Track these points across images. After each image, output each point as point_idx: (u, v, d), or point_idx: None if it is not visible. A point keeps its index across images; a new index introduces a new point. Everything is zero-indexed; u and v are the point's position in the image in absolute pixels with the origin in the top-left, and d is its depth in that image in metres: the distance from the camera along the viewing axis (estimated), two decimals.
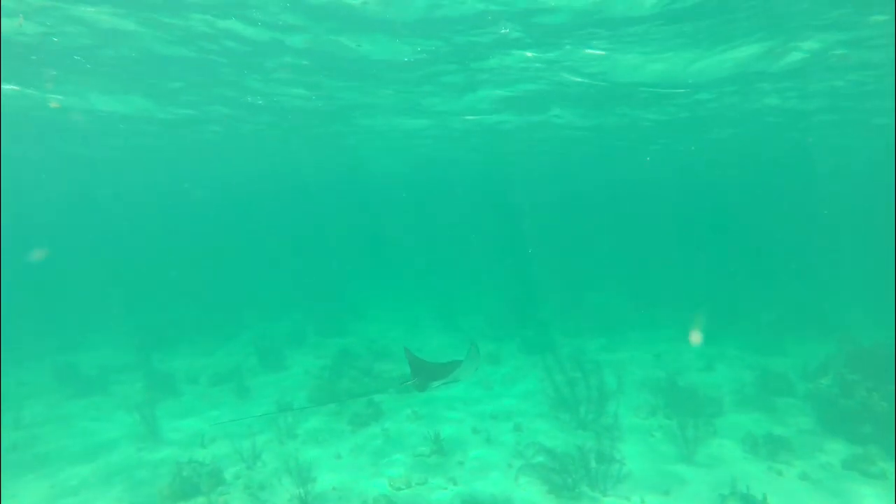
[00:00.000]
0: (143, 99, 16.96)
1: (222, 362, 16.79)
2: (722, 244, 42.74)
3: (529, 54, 13.22)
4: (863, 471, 9.20)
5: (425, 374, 6.90)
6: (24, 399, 13.67)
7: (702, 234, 56.79)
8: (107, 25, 11.01)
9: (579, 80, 15.26)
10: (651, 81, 15.49)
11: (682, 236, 53.97)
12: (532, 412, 12.30)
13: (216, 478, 9.23)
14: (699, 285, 23.90)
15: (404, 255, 43.15)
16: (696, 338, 17.83)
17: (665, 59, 13.45)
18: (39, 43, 11.72)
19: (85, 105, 17.38)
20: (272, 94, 16.66)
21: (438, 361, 7.26)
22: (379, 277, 32.71)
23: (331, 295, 24.26)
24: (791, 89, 16.45)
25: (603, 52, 12.94)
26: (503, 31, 11.42)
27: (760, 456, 9.91)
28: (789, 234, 52.90)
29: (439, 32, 11.62)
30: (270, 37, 11.71)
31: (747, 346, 16.69)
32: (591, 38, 12.08)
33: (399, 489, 9.19)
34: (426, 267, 34.30)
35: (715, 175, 36.59)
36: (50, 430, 11.94)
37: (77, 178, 34.74)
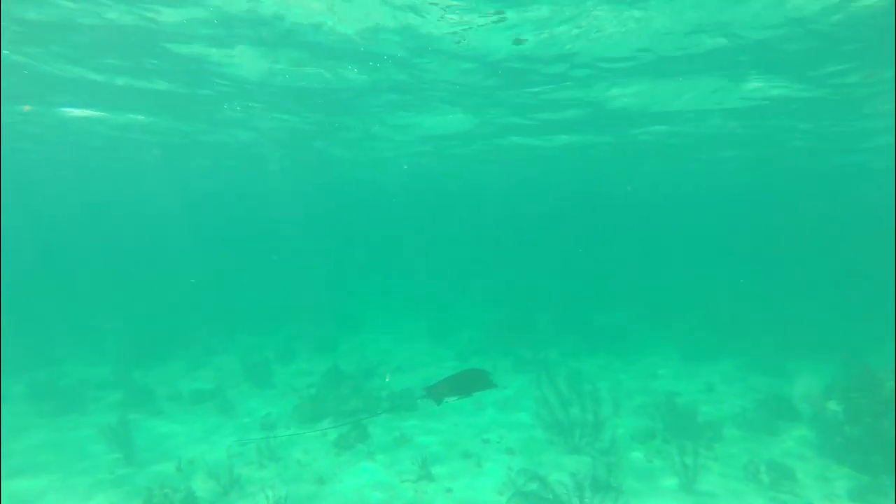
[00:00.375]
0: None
1: (208, 378, 16.30)
2: (722, 261, 42.48)
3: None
4: (871, 503, 8.73)
5: (442, 390, 6.89)
6: None
7: (702, 251, 56.58)
8: None
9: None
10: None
11: (682, 253, 53.75)
12: (525, 435, 11.81)
13: None
14: (699, 302, 23.48)
15: (400, 267, 42.72)
16: (694, 357, 17.40)
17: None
18: None
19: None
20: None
21: (452, 375, 7.15)
22: (374, 291, 32.26)
23: (323, 309, 23.81)
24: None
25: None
26: None
27: (763, 485, 9.44)
28: (790, 252, 52.63)
29: None
30: None
31: (748, 366, 16.25)
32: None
33: None
34: (422, 280, 33.86)
35: (717, 192, 36.40)
36: (17, 448, 11.40)
37: (70, 187, 34.48)
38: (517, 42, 11.13)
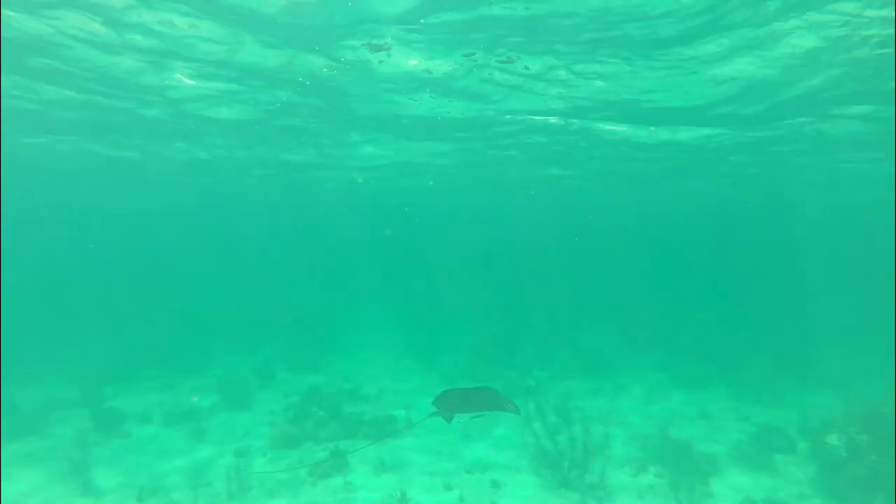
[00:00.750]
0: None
1: (182, 399, 15.56)
2: (716, 284, 42.23)
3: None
4: None
5: (453, 403, 6.51)
6: None
7: (694, 275, 56.42)
8: None
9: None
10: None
11: (674, 277, 53.53)
12: (512, 466, 11.22)
13: None
14: (691, 326, 23.09)
15: (386, 287, 42.04)
16: (687, 383, 16.93)
17: None
18: None
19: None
20: None
21: (466, 389, 6.83)
22: (359, 309, 31.59)
23: (306, 328, 23.11)
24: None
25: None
26: None
27: None
28: (782, 278, 52.59)
29: None
30: None
31: (741, 394, 15.78)
32: None
33: None
34: (408, 300, 33.25)
35: (710, 216, 36.33)
36: None
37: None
38: None
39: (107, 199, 35.44)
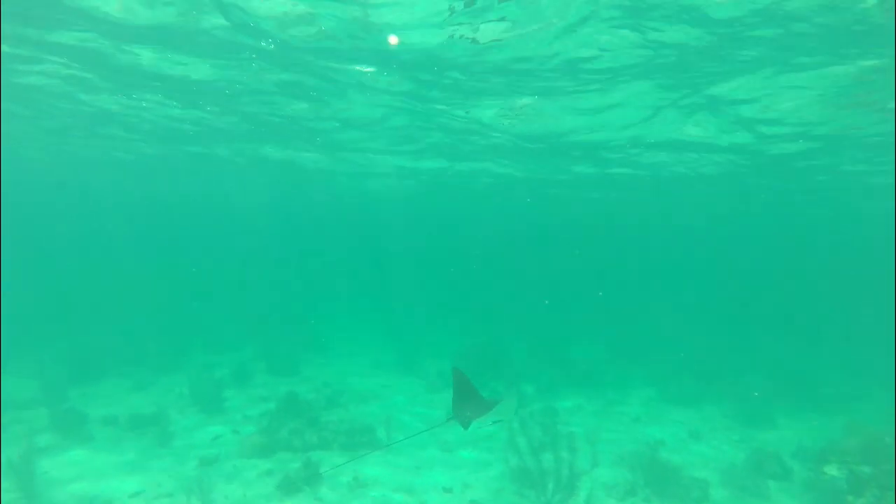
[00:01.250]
0: None
1: (152, 400, 14.85)
2: (710, 300, 41.90)
3: None
4: None
5: (470, 406, 6.43)
6: None
7: (690, 288, 56.09)
8: None
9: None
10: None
11: (669, 290, 53.17)
12: (493, 486, 10.63)
13: None
14: (684, 341, 22.59)
15: (372, 291, 41.30)
16: (678, 400, 16.41)
17: None
18: None
19: None
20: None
21: (482, 395, 6.71)
22: (344, 313, 30.87)
23: (290, 330, 22.43)
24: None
25: None
26: None
27: None
28: (778, 295, 52.36)
29: None
30: None
31: (734, 414, 15.26)
32: None
33: None
34: (395, 305, 32.55)
35: (704, 231, 35.97)
36: None
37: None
38: None
39: (97, 192, 34.68)
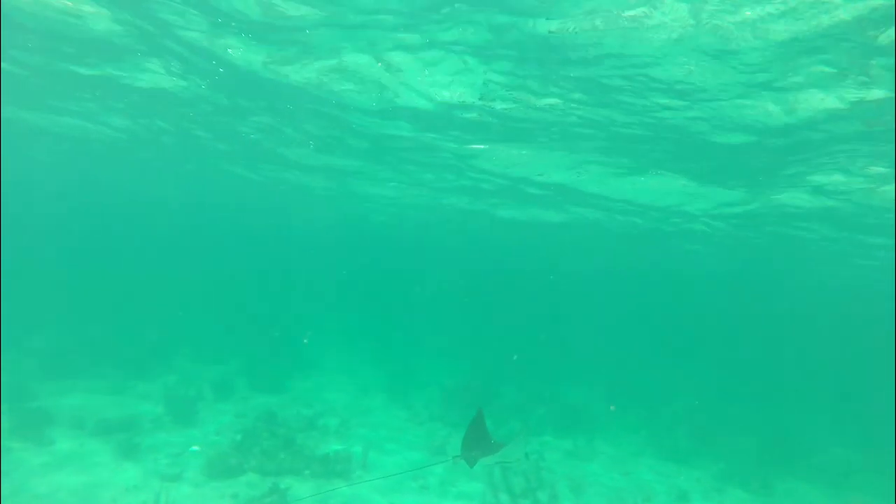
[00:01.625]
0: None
1: (125, 405, 14.34)
2: (712, 354, 41.20)
3: None
4: None
5: (480, 446, 6.50)
6: None
7: (688, 342, 55.31)
8: None
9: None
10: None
11: (667, 341, 52.45)
12: None
13: None
14: (681, 395, 21.99)
15: (367, 313, 40.75)
16: (669, 455, 15.77)
17: None
18: None
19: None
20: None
21: (493, 437, 6.78)
22: (334, 333, 30.30)
23: (277, 344, 21.91)
24: None
25: None
26: None
27: None
28: (778, 358, 51.58)
29: None
30: None
31: (726, 475, 14.60)
32: None
33: None
34: (388, 330, 32.01)
35: (707, 281, 35.54)
36: None
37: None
38: None
39: (100, 191, 34.68)
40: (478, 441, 6.48)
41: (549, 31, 7.83)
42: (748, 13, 6.83)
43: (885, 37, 6.79)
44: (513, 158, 15.33)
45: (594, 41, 7.96)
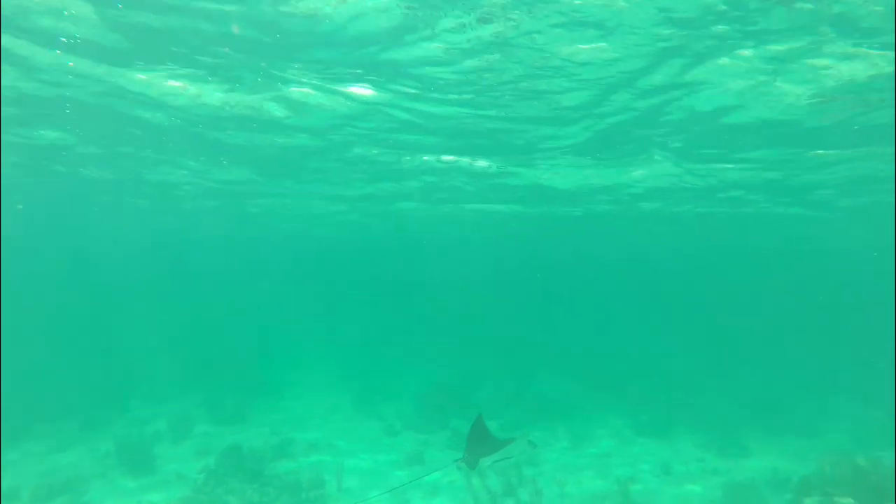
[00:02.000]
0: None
1: (73, 463, 13.20)
2: (677, 328, 41.88)
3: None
4: None
5: (481, 448, 6.71)
6: None
7: (655, 316, 56.25)
8: None
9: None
10: None
11: (636, 320, 53.20)
12: None
13: None
14: (651, 370, 22.13)
15: (327, 329, 39.59)
16: (648, 431, 15.72)
17: None
18: None
19: None
20: None
21: (495, 436, 7.00)
22: (298, 353, 29.25)
23: (236, 373, 20.84)
24: None
25: None
26: None
27: None
28: (749, 318, 52.95)
29: None
30: None
31: (706, 443, 14.65)
32: None
33: None
34: (351, 344, 31.08)
35: (670, 256, 36.12)
36: None
37: None
38: None
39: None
40: (481, 443, 6.71)
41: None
42: None
43: None
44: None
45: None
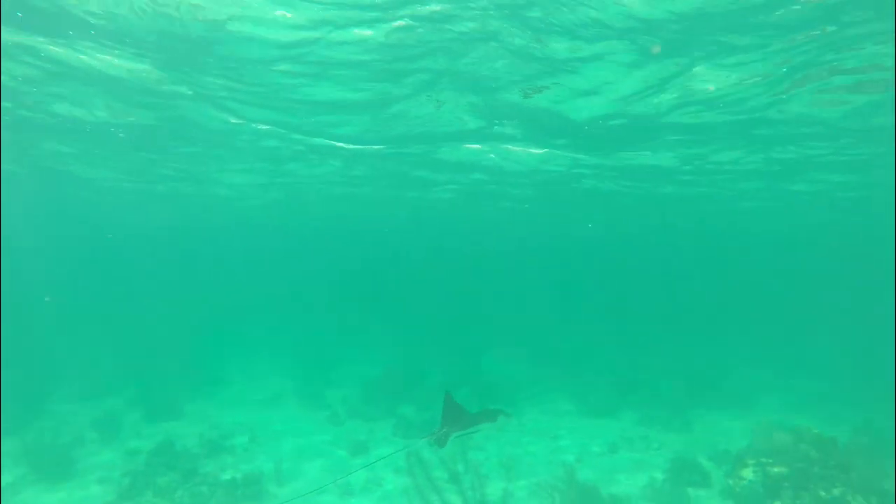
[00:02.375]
0: None
1: None
2: (620, 307, 42.81)
3: None
4: None
5: (455, 423, 6.66)
6: None
7: (599, 298, 57.37)
8: None
9: None
10: None
11: (579, 301, 54.09)
12: None
13: None
14: (601, 351, 22.46)
15: (271, 313, 38.23)
16: (594, 411, 15.88)
17: None
18: None
19: None
20: None
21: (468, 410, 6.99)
22: (238, 342, 28.05)
23: (172, 364, 19.68)
24: None
25: None
26: None
27: None
28: (686, 296, 54.82)
29: None
30: None
31: (650, 420, 14.92)
32: None
33: None
34: (294, 331, 30.05)
35: (612, 238, 36.78)
36: None
37: None
38: None
39: None
40: (455, 419, 6.68)
41: None
42: None
43: None
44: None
45: None
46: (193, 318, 32.40)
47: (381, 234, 39.06)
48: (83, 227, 36.05)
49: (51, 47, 9.29)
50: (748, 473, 9.32)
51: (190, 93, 11.54)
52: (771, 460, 9.09)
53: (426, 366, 18.87)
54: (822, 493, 8.19)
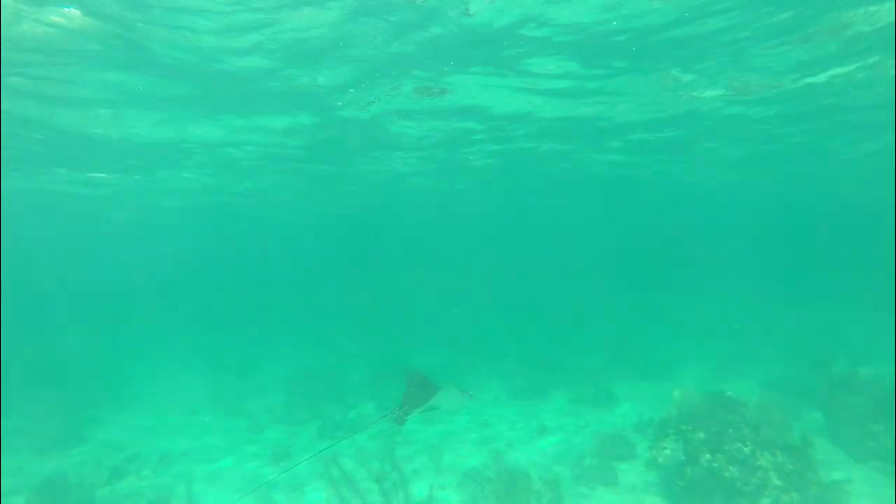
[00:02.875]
0: None
1: None
2: (540, 287, 43.40)
3: None
4: None
5: (417, 399, 6.38)
6: None
7: (521, 278, 58.05)
8: None
9: None
10: None
11: (501, 283, 54.36)
12: None
13: None
14: (528, 332, 22.59)
15: (182, 321, 35.72)
16: (524, 394, 15.87)
17: None
18: None
19: None
20: None
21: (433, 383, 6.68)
22: (147, 354, 25.92)
23: (72, 384, 17.75)
24: None
25: None
26: None
27: None
28: (605, 275, 56.55)
29: None
30: None
31: (578, 397, 15.05)
32: None
33: None
34: (209, 335, 28.24)
35: (532, 213, 36.99)
36: None
37: None
38: None
39: None
40: (418, 394, 6.43)
41: None
42: None
43: None
44: None
45: None
46: (101, 331, 29.65)
47: (300, 234, 37.34)
48: None
49: None
50: (669, 442, 9.44)
51: None
52: (690, 427, 9.22)
53: (349, 363, 18.16)
54: (735, 454, 8.39)
